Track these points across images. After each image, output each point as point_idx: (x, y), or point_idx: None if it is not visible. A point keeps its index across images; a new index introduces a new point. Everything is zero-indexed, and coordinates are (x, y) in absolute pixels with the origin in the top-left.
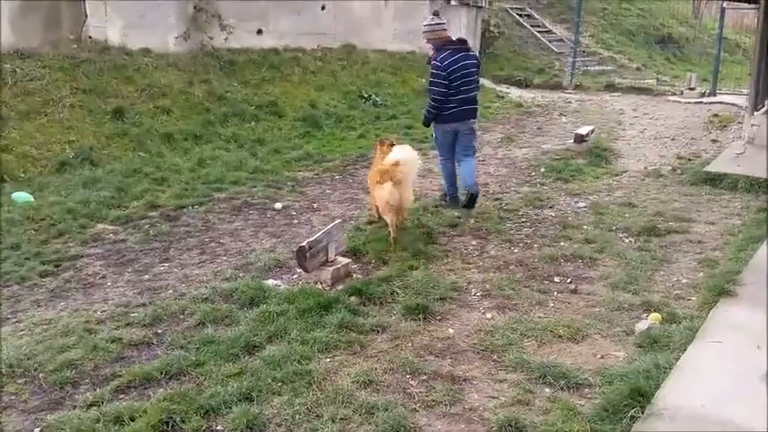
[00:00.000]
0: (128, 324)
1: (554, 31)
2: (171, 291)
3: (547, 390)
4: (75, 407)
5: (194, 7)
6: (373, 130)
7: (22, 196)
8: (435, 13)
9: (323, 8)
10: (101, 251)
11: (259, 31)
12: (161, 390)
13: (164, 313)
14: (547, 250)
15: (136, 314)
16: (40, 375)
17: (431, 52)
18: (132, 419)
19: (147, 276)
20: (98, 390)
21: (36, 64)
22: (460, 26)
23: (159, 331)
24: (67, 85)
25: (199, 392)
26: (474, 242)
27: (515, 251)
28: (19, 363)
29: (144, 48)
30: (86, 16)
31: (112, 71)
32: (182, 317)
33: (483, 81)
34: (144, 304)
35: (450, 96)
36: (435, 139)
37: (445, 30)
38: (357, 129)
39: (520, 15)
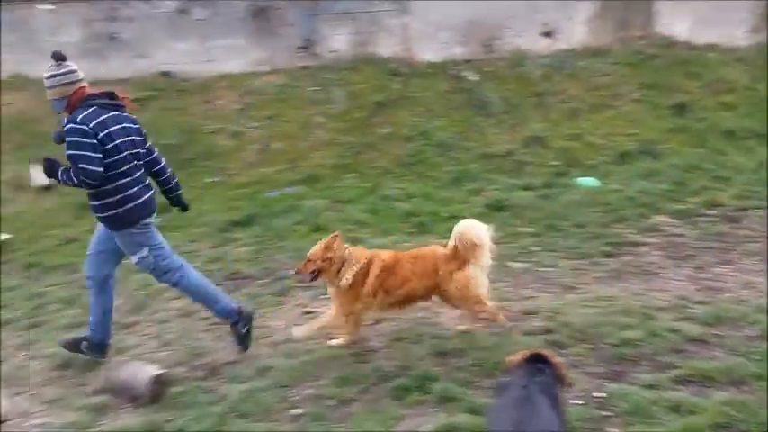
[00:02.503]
0: (685, 318)
1: None
2: (730, 294)
3: None
4: (633, 384)
5: None
6: None
7: (587, 181)
8: (58, 57)
9: None
10: (658, 241)
11: None
12: (720, 392)
13: (723, 315)
14: None
15: (694, 310)
16: (602, 345)
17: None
18: (691, 413)
19: (705, 274)
20: (656, 374)
21: (605, 60)
22: None
23: (718, 333)
24: (633, 80)
25: (760, 406)
26: None
27: None
28: (583, 330)
29: (710, 43)
30: (655, 14)
31: (677, 66)
32: (742, 324)
33: None
34: (702, 302)
35: (121, 178)
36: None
37: (80, 79)
38: None
39: None
